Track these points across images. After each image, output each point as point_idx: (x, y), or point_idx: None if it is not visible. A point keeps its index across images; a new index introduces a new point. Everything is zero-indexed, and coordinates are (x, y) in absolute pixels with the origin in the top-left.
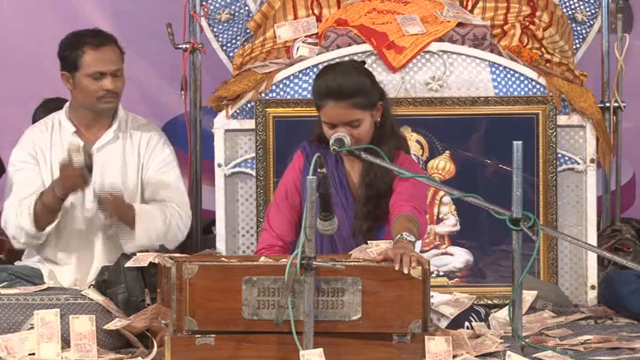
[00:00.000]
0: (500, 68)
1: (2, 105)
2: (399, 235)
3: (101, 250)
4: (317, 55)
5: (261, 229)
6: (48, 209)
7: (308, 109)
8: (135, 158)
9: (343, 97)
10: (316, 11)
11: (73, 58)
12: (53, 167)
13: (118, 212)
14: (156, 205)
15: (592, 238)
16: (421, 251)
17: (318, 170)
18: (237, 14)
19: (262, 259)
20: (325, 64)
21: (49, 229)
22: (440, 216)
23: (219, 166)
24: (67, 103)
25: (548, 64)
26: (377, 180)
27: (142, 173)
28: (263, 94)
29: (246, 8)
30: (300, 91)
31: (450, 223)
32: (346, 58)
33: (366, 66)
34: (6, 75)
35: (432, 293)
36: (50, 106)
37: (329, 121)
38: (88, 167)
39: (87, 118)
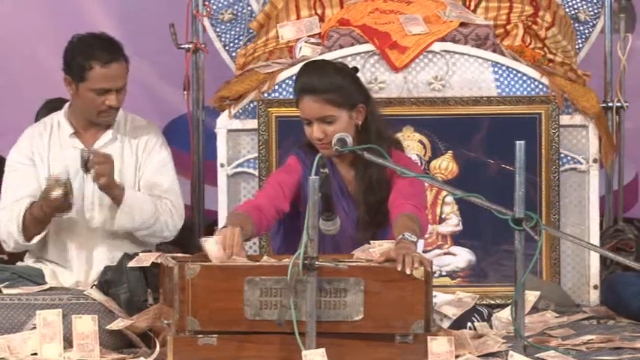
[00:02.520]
0: (503, 68)
1: (2, 106)
2: (400, 236)
3: (103, 255)
4: (320, 55)
5: None
6: (36, 222)
7: None
8: (133, 160)
9: (317, 92)
10: (319, 11)
11: (80, 69)
12: (51, 168)
13: (106, 173)
14: (149, 197)
15: (594, 238)
16: (424, 251)
17: (321, 170)
18: (239, 14)
19: (265, 258)
20: None
21: (36, 239)
22: (442, 216)
23: (222, 165)
24: (67, 104)
25: (550, 64)
26: (373, 185)
27: (139, 174)
28: (265, 94)
29: (249, 8)
30: None
31: (453, 223)
32: (349, 58)
33: (366, 67)
34: (6, 76)
35: (434, 293)
36: (52, 106)
37: (304, 116)
38: (68, 195)
39: (85, 120)
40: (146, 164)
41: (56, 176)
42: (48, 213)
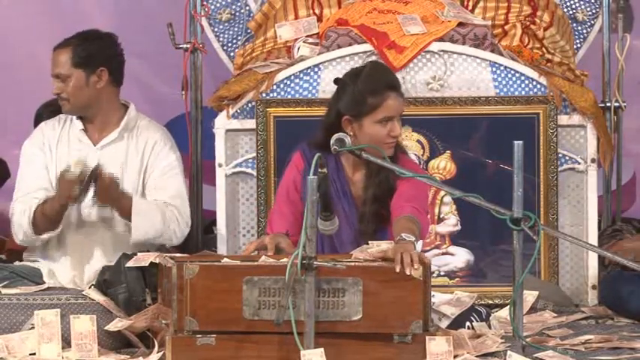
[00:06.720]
0: (501, 68)
1: (2, 106)
2: (398, 236)
3: (99, 248)
4: (318, 54)
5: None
6: (48, 218)
7: (309, 109)
8: (137, 160)
9: (399, 90)
10: (317, 11)
11: None
12: (58, 162)
13: (109, 197)
14: (155, 204)
15: (593, 238)
16: (422, 251)
17: (319, 170)
18: (237, 14)
19: (263, 258)
20: (326, 64)
21: (46, 236)
22: (441, 216)
23: (220, 165)
24: None
25: (548, 64)
26: (383, 187)
27: (145, 176)
28: (264, 94)
29: (247, 8)
30: (300, 91)
31: (451, 222)
32: (347, 58)
33: None
34: (6, 75)
35: (433, 293)
36: (52, 107)
37: (390, 114)
38: (83, 183)
39: (95, 117)
40: (153, 166)
41: (82, 159)
42: (60, 201)
